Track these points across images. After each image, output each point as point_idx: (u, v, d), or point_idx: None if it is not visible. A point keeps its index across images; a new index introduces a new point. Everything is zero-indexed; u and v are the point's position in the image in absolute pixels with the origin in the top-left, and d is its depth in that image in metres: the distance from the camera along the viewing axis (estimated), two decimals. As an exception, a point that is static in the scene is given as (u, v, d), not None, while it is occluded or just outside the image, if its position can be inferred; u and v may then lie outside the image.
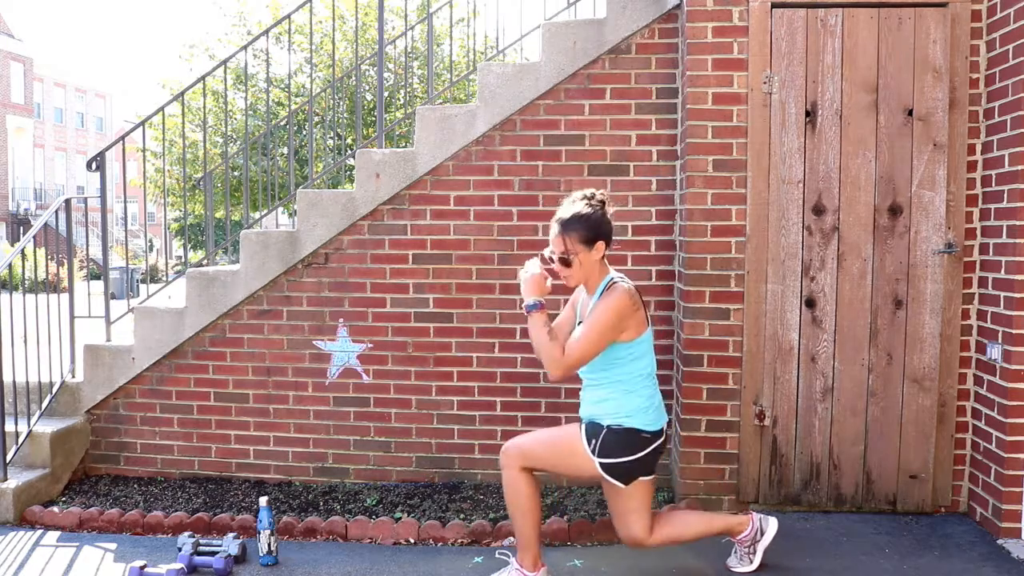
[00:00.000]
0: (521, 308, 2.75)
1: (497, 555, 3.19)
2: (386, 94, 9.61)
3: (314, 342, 4.21)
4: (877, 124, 3.53)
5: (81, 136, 37.81)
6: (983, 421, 3.49)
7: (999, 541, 3.32)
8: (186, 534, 3.33)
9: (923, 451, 3.60)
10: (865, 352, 3.59)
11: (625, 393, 2.74)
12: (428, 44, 4.73)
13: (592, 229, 2.71)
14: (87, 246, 10.87)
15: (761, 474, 3.67)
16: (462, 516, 3.71)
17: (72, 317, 4.49)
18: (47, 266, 5.48)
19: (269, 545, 3.25)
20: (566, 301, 3.07)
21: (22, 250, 4.24)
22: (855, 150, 3.54)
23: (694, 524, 2.98)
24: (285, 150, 11.54)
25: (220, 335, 4.26)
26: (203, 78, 4.70)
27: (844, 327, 3.59)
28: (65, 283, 4.57)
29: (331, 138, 9.21)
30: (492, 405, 4.14)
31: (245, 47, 4.78)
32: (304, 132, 9.73)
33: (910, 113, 3.51)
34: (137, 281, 14.74)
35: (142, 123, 4.78)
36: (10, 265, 4.27)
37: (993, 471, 3.39)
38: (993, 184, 3.42)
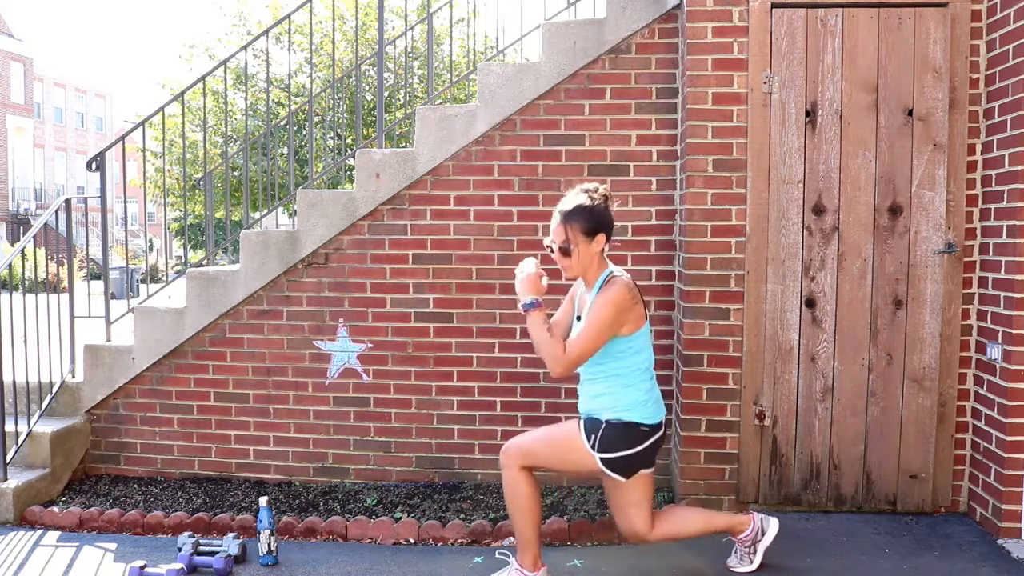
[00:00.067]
0: (519, 307, 2.75)
1: (497, 555, 3.19)
2: (386, 94, 9.61)
3: (314, 342, 4.21)
4: (877, 124, 3.53)
5: (81, 136, 37.82)
6: (983, 421, 3.49)
7: (999, 541, 3.32)
8: (186, 534, 3.33)
9: (923, 451, 3.60)
10: (865, 352, 3.59)
11: (624, 387, 2.74)
12: (428, 44, 4.73)
13: (593, 220, 2.72)
14: (87, 246, 10.87)
15: (761, 474, 3.67)
16: (462, 516, 3.71)
17: (72, 317, 4.49)
18: (47, 266, 5.48)
19: (269, 545, 3.25)
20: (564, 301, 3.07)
21: (22, 250, 4.24)
22: (855, 150, 3.54)
23: (695, 521, 2.99)
24: (285, 150, 11.54)
25: (220, 335, 4.26)
26: (203, 78, 4.70)
27: (844, 327, 3.59)
28: (65, 283, 4.57)
29: (331, 138, 9.21)
30: (492, 405, 4.14)
31: (245, 47, 4.78)
32: (304, 132, 9.73)
33: (910, 113, 3.51)
34: (137, 281, 14.74)
35: (142, 123, 4.78)
36: (10, 265, 4.27)
37: (993, 471, 3.39)
38: (993, 184, 3.42)
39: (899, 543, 3.34)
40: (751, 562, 3.07)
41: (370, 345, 4.18)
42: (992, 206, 3.43)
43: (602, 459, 2.73)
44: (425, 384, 4.16)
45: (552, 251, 2.79)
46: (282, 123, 9.92)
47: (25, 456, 4.04)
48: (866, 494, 3.65)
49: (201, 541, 3.28)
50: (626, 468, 2.75)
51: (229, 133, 10.89)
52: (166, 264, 6.06)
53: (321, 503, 3.96)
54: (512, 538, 3.38)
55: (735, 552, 3.13)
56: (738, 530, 3.04)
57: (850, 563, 3.17)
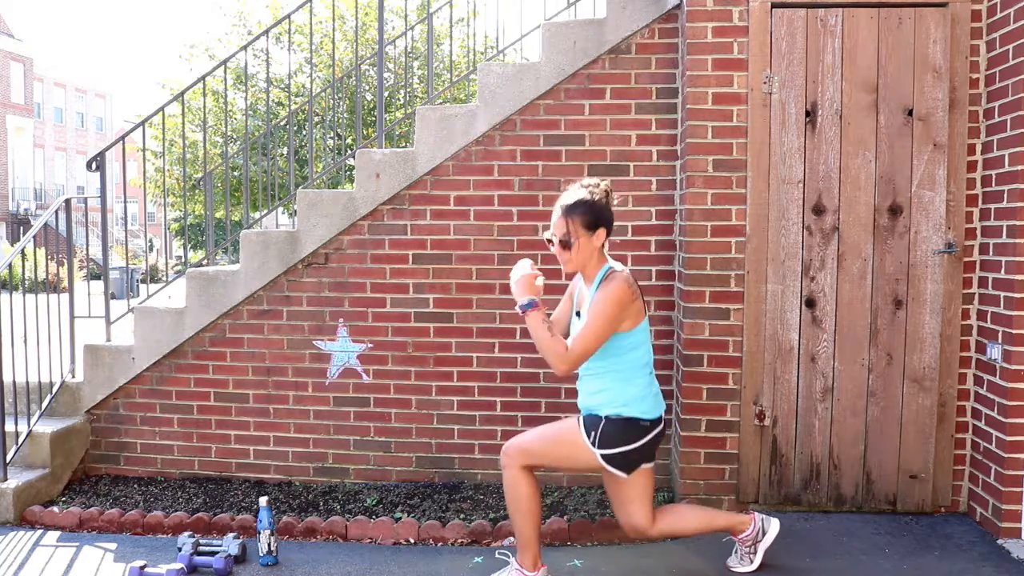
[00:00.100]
0: (516, 309, 2.74)
1: (497, 555, 3.19)
2: (386, 94, 9.61)
3: (314, 342, 4.21)
4: (877, 124, 3.53)
5: (81, 136, 37.82)
6: (983, 421, 3.49)
7: (999, 541, 3.32)
8: (186, 534, 3.33)
9: (923, 451, 3.60)
10: (865, 352, 3.59)
11: (623, 382, 2.74)
12: (428, 44, 4.73)
13: (595, 214, 2.72)
14: (87, 246, 10.87)
15: (761, 474, 3.67)
16: (462, 516, 3.71)
17: (72, 317, 4.49)
18: (47, 266, 5.48)
19: (269, 545, 3.25)
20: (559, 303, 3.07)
21: (22, 250, 4.24)
22: (855, 150, 3.54)
23: (697, 518, 3.00)
24: (285, 150, 11.55)
25: (220, 335, 4.26)
26: (203, 78, 4.70)
27: (844, 327, 3.59)
28: (65, 283, 4.57)
29: (331, 138, 9.21)
30: (492, 405, 4.14)
31: (245, 47, 4.78)
32: (304, 132, 9.73)
33: (910, 113, 3.51)
34: (137, 281, 14.74)
35: (142, 123, 4.78)
36: (10, 265, 4.27)
37: (993, 471, 3.39)
38: (993, 184, 3.42)
39: (899, 543, 3.34)
40: (751, 562, 3.07)
41: (370, 345, 4.18)
42: (992, 206, 3.43)
43: (603, 455, 2.73)
44: (425, 384, 4.16)
45: (551, 244, 2.79)
46: (282, 123, 9.92)
47: (25, 456, 4.04)
48: (866, 494, 3.65)
49: (201, 541, 3.28)
50: (627, 464, 2.75)
51: (229, 133, 10.89)
52: (166, 264, 6.06)
53: (321, 503, 3.96)
54: (512, 538, 3.38)
55: (735, 552, 3.13)
56: (739, 530, 3.04)
57: (850, 563, 3.17)
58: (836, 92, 3.53)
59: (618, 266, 2.79)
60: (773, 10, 3.53)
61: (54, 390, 4.29)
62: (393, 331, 4.16)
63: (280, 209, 5.92)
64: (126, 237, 16.43)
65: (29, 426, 4.05)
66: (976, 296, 3.55)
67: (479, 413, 4.15)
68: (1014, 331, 3.25)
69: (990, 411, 3.42)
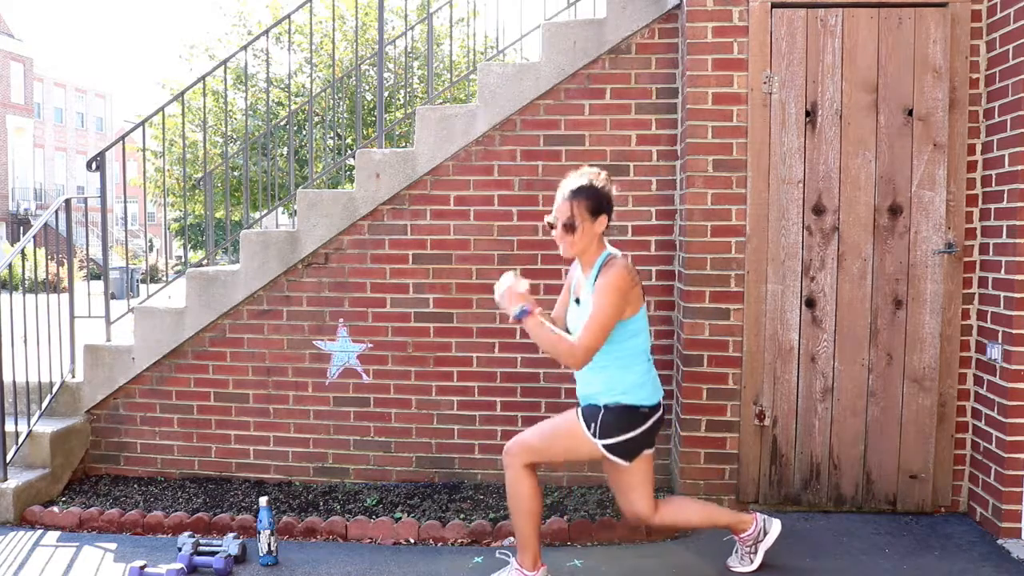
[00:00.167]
0: (511, 320, 2.70)
1: (497, 555, 3.19)
2: (386, 94, 9.61)
3: (314, 342, 4.21)
4: (877, 124, 3.53)
5: (81, 136, 37.82)
6: (983, 421, 3.49)
7: (999, 541, 3.32)
8: (186, 534, 3.33)
9: (923, 451, 3.60)
10: (865, 352, 3.59)
11: (621, 370, 2.73)
12: (428, 44, 4.73)
13: (599, 200, 2.72)
14: (87, 246, 10.87)
15: (761, 474, 3.67)
16: (462, 516, 3.71)
17: (72, 317, 4.49)
18: (47, 266, 5.48)
19: (269, 545, 3.25)
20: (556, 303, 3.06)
21: (22, 250, 4.24)
22: (855, 150, 3.54)
23: (698, 512, 3.02)
24: (285, 150, 11.55)
25: (220, 335, 4.26)
26: (203, 78, 4.70)
27: (844, 327, 3.59)
28: (65, 283, 4.57)
29: (331, 138, 9.21)
30: (492, 405, 4.14)
31: (245, 47, 4.78)
32: (304, 132, 9.73)
33: (910, 113, 3.51)
34: (137, 281, 14.74)
35: (142, 123, 4.78)
36: (10, 265, 4.27)
37: (993, 471, 3.39)
38: (993, 184, 3.43)
39: (899, 543, 3.34)
40: (751, 562, 3.07)
41: (370, 345, 4.18)
42: (992, 206, 3.43)
43: (604, 445, 2.73)
44: (425, 384, 4.16)
45: (553, 228, 2.77)
46: (282, 123, 9.92)
47: (25, 456, 4.04)
48: (866, 494, 3.65)
49: (201, 541, 3.28)
50: (628, 452, 2.75)
51: (229, 133, 10.89)
52: (166, 264, 6.06)
53: (321, 503, 3.96)
54: (512, 538, 3.38)
55: (736, 552, 3.13)
56: (740, 528, 3.04)
57: (850, 563, 3.17)
58: (836, 92, 3.53)
59: (617, 252, 2.78)
60: (773, 10, 3.54)
61: (54, 390, 4.29)
62: (393, 331, 4.16)
63: (280, 209, 5.92)
64: (126, 237, 16.44)
65: (29, 426, 4.05)
66: (976, 296, 3.55)
67: (479, 413, 4.15)
68: (1014, 331, 3.25)
69: (990, 411, 3.42)
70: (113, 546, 3.49)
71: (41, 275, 10.51)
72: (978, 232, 3.53)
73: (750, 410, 3.65)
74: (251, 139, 8.52)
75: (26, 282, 9.18)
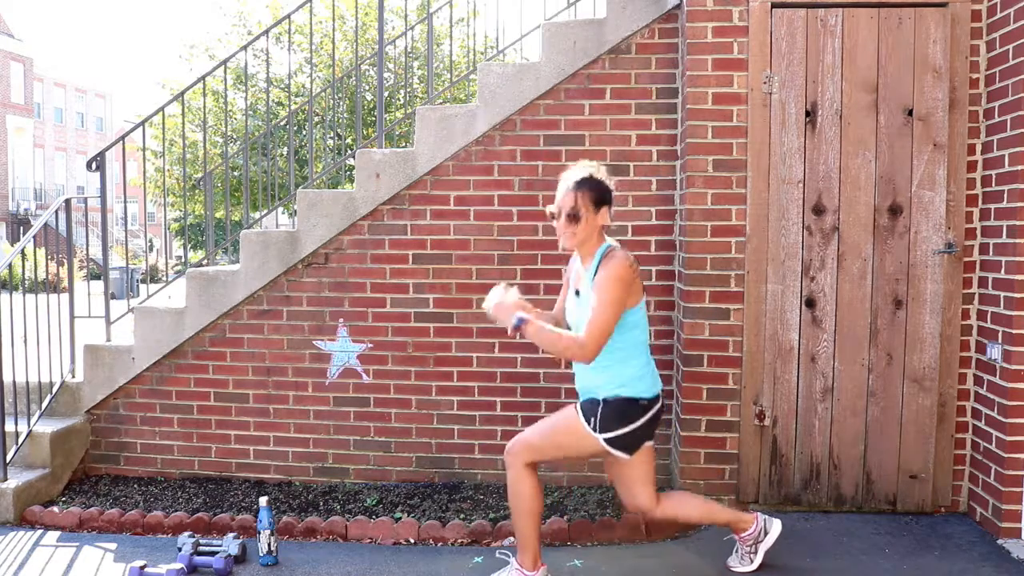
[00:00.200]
0: (509, 331, 2.67)
1: (497, 555, 3.19)
2: (386, 94, 9.61)
3: (314, 342, 4.21)
4: (877, 124, 3.53)
5: (81, 136, 37.82)
6: (983, 421, 3.49)
7: (999, 541, 3.32)
8: (186, 534, 3.33)
9: (923, 451, 3.60)
10: (865, 352, 3.59)
11: (620, 362, 2.72)
12: (428, 44, 4.73)
13: (602, 192, 2.73)
14: (87, 246, 10.87)
15: (761, 474, 3.67)
16: (462, 516, 3.71)
17: (72, 317, 4.49)
18: (47, 266, 5.48)
19: (269, 545, 3.25)
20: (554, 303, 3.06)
21: (22, 250, 4.24)
22: (855, 150, 3.54)
23: (699, 507, 3.04)
24: (285, 150, 11.55)
25: (220, 335, 4.26)
26: (203, 78, 4.70)
27: (844, 327, 3.59)
28: (65, 283, 4.57)
29: (331, 138, 9.21)
30: (492, 405, 4.14)
31: (245, 47, 4.78)
32: (304, 132, 9.73)
33: (910, 113, 3.51)
34: (137, 281, 14.74)
35: (142, 123, 4.78)
36: (10, 265, 4.27)
37: (993, 471, 3.39)
38: (993, 184, 3.43)
39: (899, 543, 3.34)
40: (751, 562, 3.07)
41: (370, 345, 4.18)
42: (992, 206, 3.43)
43: (605, 439, 2.72)
44: (425, 384, 4.16)
45: (555, 217, 2.76)
46: (282, 123, 9.92)
47: (25, 456, 4.04)
48: (866, 494, 3.65)
49: (201, 541, 3.28)
50: (629, 445, 2.75)
51: (229, 133, 10.89)
52: (166, 264, 6.06)
53: (321, 503, 3.96)
54: (512, 538, 3.38)
55: (736, 551, 3.13)
56: (741, 527, 3.04)
57: (850, 563, 3.17)
58: (836, 92, 3.53)
59: (616, 244, 2.78)
60: (773, 10, 3.54)
61: (54, 390, 4.29)
62: (393, 331, 4.16)
63: (280, 209, 5.92)
64: (126, 237, 16.44)
65: (29, 426, 4.05)
66: (976, 296, 3.55)
67: (479, 413, 4.15)
68: (1014, 331, 3.25)
69: (990, 411, 3.42)
70: (113, 546, 3.49)
71: (41, 275, 10.51)
72: (978, 232, 3.53)
73: (750, 410, 3.65)
74: (251, 139, 8.52)
75: (26, 282, 9.18)
